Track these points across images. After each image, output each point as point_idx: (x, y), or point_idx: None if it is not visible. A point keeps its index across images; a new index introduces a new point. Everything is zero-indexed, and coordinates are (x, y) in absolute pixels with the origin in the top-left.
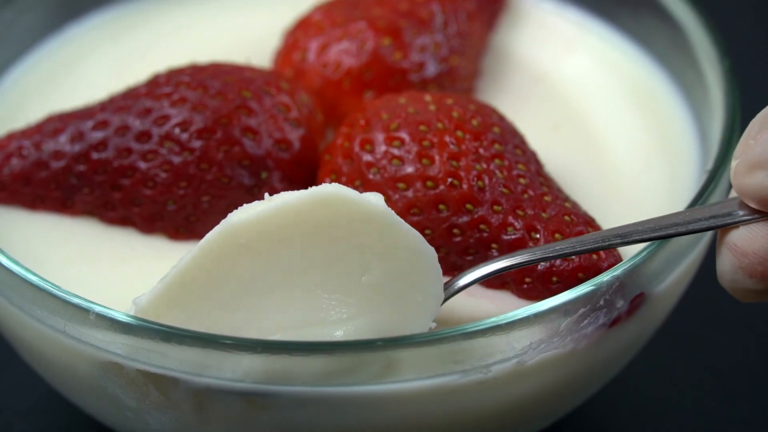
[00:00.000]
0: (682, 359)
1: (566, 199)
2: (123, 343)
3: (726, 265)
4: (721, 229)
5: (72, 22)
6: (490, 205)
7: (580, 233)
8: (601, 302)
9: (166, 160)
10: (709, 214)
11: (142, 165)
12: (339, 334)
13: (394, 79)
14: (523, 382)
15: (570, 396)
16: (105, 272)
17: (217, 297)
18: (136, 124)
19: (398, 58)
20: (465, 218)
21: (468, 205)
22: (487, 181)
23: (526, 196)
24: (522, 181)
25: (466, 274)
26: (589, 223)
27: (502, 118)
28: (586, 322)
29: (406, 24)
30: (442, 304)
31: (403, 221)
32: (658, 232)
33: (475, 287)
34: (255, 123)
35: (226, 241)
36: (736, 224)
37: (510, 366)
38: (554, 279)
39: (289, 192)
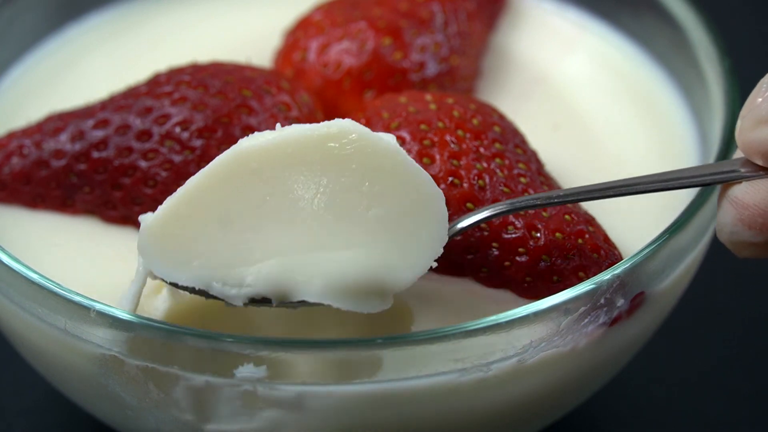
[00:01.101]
0: (682, 359)
1: None
2: (123, 340)
3: (726, 217)
4: (723, 184)
5: (72, 22)
6: (490, 204)
7: (581, 232)
8: (602, 301)
9: (167, 159)
10: (712, 171)
11: (143, 164)
12: (340, 262)
13: (394, 79)
14: (523, 380)
15: (570, 395)
16: (105, 271)
17: (223, 217)
18: (137, 123)
19: (398, 57)
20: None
21: (469, 204)
22: (487, 180)
23: (526, 195)
24: (522, 180)
25: (468, 217)
26: (590, 222)
27: (502, 118)
28: (586, 320)
29: (406, 24)
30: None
31: (413, 161)
32: (662, 184)
33: (475, 286)
34: (255, 122)
35: (236, 164)
36: (738, 180)
37: (510, 365)
38: (555, 278)
39: (302, 124)
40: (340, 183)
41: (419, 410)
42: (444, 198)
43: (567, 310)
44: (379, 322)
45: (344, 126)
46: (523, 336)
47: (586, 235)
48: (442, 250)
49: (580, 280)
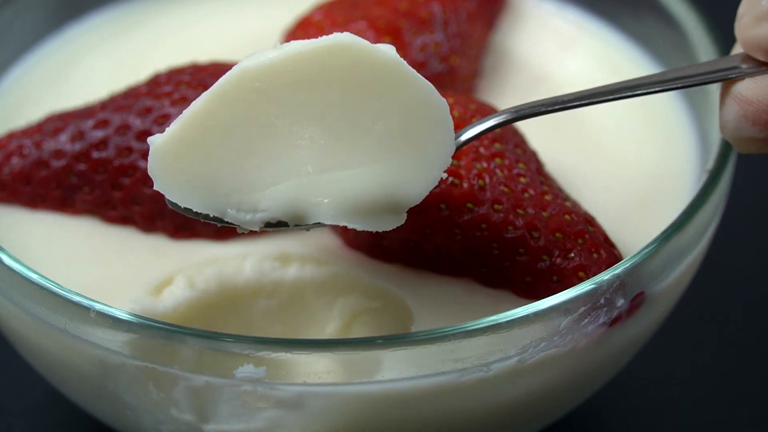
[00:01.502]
0: (682, 359)
1: (566, 198)
2: (123, 341)
3: (730, 114)
4: (725, 82)
5: (72, 22)
6: (490, 204)
7: (581, 233)
8: (602, 301)
9: None
10: (714, 68)
11: (143, 164)
12: (352, 181)
13: None
14: (523, 380)
15: (570, 395)
16: (105, 271)
17: (231, 140)
18: (137, 123)
19: None
20: (466, 217)
21: (468, 204)
22: (487, 180)
23: (526, 195)
24: (522, 180)
25: (473, 127)
26: (590, 222)
27: None
28: (586, 320)
29: (406, 24)
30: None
31: (415, 71)
32: (664, 85)
33: (475, 286)
34: None
35: (240, 84)
36: (741, 76)
37: (510, 365)
38: (555, 278)
39: (302, 41)
40: (344, 99)
41: (419, 410)
42: (448, 106)
43: (567, 310)
44: (380, 322)
45: (341, 40)
46: (523, 336)
47: (586, 235)
48: (450, 161)
49: (580, 280)
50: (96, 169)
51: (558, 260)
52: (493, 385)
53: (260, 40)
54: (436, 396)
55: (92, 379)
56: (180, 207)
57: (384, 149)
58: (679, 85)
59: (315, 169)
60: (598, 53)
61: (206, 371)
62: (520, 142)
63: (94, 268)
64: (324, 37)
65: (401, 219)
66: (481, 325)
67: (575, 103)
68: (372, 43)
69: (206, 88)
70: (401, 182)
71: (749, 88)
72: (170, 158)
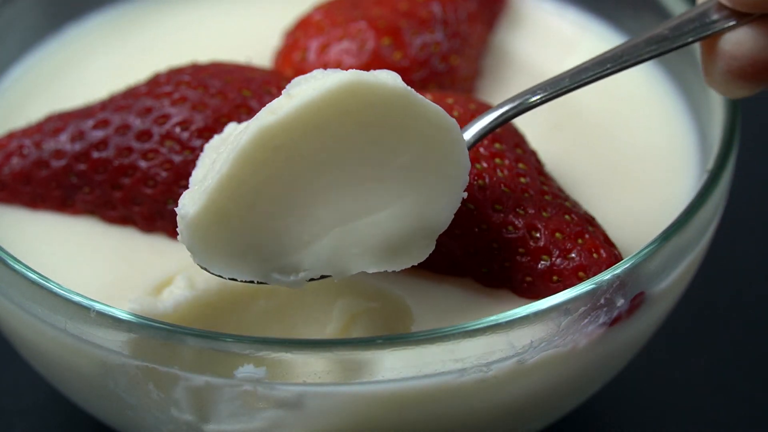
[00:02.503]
0: (682, 359)
1: (566, 198)
2: (123, 341)
3: (715, 70)
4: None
5: (72, 22)
6: (490, 203)
7: (581, 232)
8: (602, 301)
9: (167, 159)
10: (693, 26)
11: (143, 164)
12: (386, 222)
13: None
14: (523, 380)
15: (570, 395)
16: (105, 271)
17: (262, 203)
18: (137, 123)
19: (398, 57)
20: (466, 217)
21: (468, 204)
22: (487, 179)
23: (526, 195)
24: (522, 180)
25: (469, 126)
26: (590, 222)
27: None
28: (586, 320)
29: (406, 24)
30: None
31: (423, 97)
32: (648, 50)
33: (475, 286)
34: None
35: (260, 145)
36: (721, 32)
37: (510, 365)
38: (554, 278)
39: (308, 86)
40: (361, 139)
41: (419, 410)
42: (458, 126)
43: (567, 310)
44: (379, 323)
45: (348, 80)
46: (523, 336)
47: (586, 235)
48: (468, 178)
49: (580, 280)
50: (96, 169)
51: (558, 260)
52: (493, 385)
53: (260, 40)
54: (436, 396)
55: (92, 379)
56: (224, 276)
57: (408, 182)
58: (665, 49)
59: (348, 218)
60: (598, 53)
61: (206, 371)
62: (520, 142)
63: (94, 268)
64: (329, 77)
65: (432, 246)
66: (481, 325)
67: (569, 88)
68: (372, 42)
69: (206, 88)
70: (430, 210)
71: (732, 42)
72: (205, 232)
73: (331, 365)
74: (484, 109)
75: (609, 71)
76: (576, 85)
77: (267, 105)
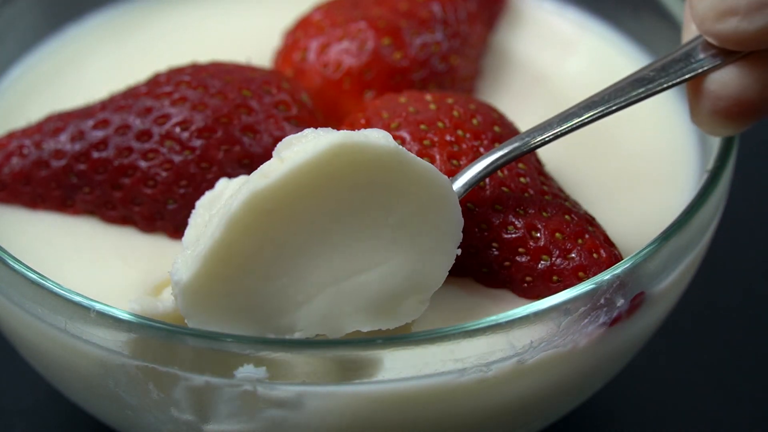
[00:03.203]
0: (682, 359)
1: (566, 198)
2: (123, 341)
3: (702, 110)
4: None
5: (72, 22)
6: (490, 203)
7: (581, 232)
8: (602, 301)
9: (167, 159)
10: (678, 67)
11: (143, 164)
12: (379, 281)
13: (394, 79)
14: (523, 381)
15: (570, 395)
16: (105, 271)
17: (254, 267)
18: (137, 123)
19: (398, 57)
20: (466, 217)
21: (469, 204)
22: (487, 179)
23: (526, 195)
24: (522, 180)
25: (462, 174)
26: (590, 222)
27: (502, 118)
28: (586, 320)
29: (406, 24)
30: None
31: (414, 155)
32: (638, 96)
33: (475, 286)
34: (255, 122)
35: (252, 210)
36: (707, 72)
37: (510, 365)
38: (554, 278)
39: (298, 148)
40: (353, 199)
41: (419, 410)
42: (450, 183)
43: (567, 310)
44: None
45: (339, 142)
46: (523, 336)
47: (586, 235)
48: (461, 235)
49: (580, 280)
50: (96, 169)
51: (558, 260)
52: (493, 385)
53: (260, 40)
54: (436, 396)
55: (92, 379)
56: None
57: (401, 240)
58: (651, 92)
59: (341, 277)
60: (598, 53)
61: (206, 371)
62: None
63: (94, 268)
64: (320, 138)
65: (426, 304)
66: (481, 325)
67: (553, 134)
68: (372, 42)
69: (206, 88)
70: (423, 268)
71: (718, 83)
72: (200, 297)
73: (331, 365)
74: (484, 108)
75: (597, 116)
76: (564, 130)
77: (259, 168)
